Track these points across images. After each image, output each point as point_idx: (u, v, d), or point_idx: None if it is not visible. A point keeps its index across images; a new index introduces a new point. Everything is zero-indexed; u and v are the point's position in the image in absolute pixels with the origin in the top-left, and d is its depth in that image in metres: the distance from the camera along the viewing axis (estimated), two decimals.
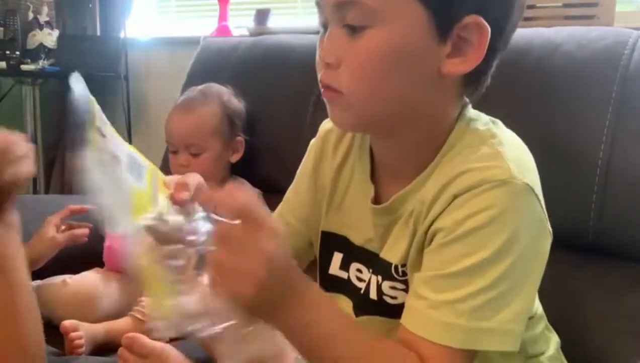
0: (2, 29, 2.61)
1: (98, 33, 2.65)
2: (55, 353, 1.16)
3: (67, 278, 1.31)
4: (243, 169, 1.47)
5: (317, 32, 0.72)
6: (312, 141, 0.88)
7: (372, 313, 0.77)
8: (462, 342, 0.64)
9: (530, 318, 0.76)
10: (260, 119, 1.48)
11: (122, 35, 2.64)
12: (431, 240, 0.68)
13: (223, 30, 2.33)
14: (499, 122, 0.75)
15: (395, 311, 0.72)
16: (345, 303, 0.80)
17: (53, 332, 1.19)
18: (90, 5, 2.62)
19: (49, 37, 2.61)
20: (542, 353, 0.81)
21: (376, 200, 0.77)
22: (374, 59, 0.65)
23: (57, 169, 2.68)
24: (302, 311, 0.61)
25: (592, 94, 1.02)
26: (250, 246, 0.57)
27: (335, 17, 0.66)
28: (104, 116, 0.64)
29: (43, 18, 2.66)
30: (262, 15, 2.25)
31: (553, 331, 0.86)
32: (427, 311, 0.65)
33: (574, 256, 1.02)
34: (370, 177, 0.78)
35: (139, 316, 1.23)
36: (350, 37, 0.65)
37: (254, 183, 1.47)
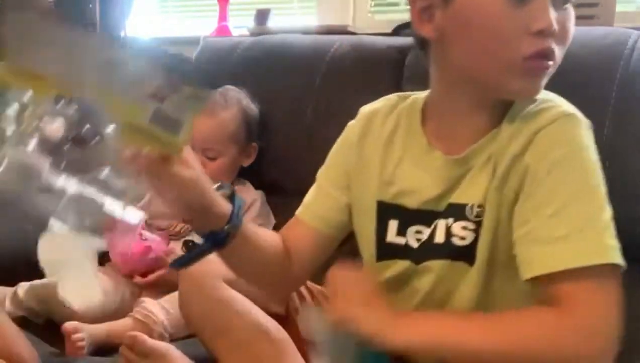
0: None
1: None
2: (56, 354, 1.16)
3: None
4: (243, 169, 1.47)
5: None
6: (352, 123, 0.95)
7: (431, 258, 0.84)
8: (602, 256, 0.72)
9: None
10: (260, 119, 1.48)
11: (122, 35, 2.64)
12: (521, 180, 0.77)
13: (223, 30, 2.33)
14: None
15: (460, 252, 0.81)
16: (402, 267, 0.86)
17: (54, 333, 1.19)
18: (90, 5, 2.62)
19: None
20: None
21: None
22: (572, 31, 0.79)
23: None
24: (417, 323, 0.75)
25: (592, 94, 1.02)
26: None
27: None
28: None
29: None
30: (262, 15, 2.25)
31: None
32: (558, 246, 0.72)
33: None
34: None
35: (139, 317, 1.23)
36: (564, 10, 0.77)
37: (254, 183, 1.47)
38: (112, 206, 0.71)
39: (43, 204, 0.69)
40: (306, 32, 1.68)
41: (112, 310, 1.30)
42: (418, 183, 0.86)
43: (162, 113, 0.69)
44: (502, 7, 0.76)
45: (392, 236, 0.87)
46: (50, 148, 0.70)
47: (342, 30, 1.81)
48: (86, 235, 0.71)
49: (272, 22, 2.25)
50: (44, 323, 1.27)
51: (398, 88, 1.40)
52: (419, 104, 0.89)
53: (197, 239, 0.84)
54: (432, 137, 0.86)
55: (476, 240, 0.80)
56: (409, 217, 0.86)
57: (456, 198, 0.83)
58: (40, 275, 1.31)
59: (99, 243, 0.74)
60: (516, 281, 0.76)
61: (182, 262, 0.85)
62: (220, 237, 0.79)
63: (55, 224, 0.70)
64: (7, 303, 1.27)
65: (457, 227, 0.82)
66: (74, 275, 0.84)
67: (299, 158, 1.40)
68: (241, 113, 1.43)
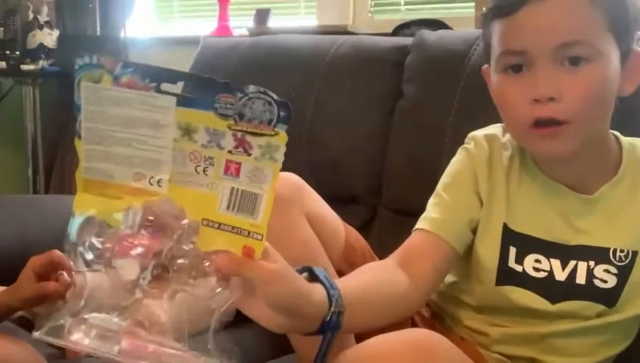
0: (2, 29, 2.61)
1: (98, 33, 2.65)
2: (56, 355, 1.16)
3: None
4: None
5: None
6: (472, 147, 0.94)
7: (575, 299, 0.86)
8: None
9: None
10: None
11: (122, 35, 2.64)
12: None
13: (223, 30, 2.33)
14: None
15: (603, 295, 0.85)
16: (520, 294, 0.88)
17: None
18: (90, 5, 2.62)
19: (49, 37, 2.60)
20: None
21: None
22: (596, 87, 0.79)
23: (57, 169, 2.68)
24: None
25: None
26: None
27: (554, 56, 0.78)
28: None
29: (43, 18, 2.66)
30: (262, 15, 2.25)
31: None
32: None
33: None
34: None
35: (139, 318, 1.22)
36: (568, 72, 0.79)
37: None
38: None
39: None
40: (306, 32, 1.68)
41: None
42: (542, 213, 0.88)
43: (237, 191, 0.63)
44: (501, 78, 0.83)
45: (511, 261, 0.89)
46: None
47: (342, 30, 1.81)
48: None
49: (272, 22, 2.25)
50: None
51: (398, 88, 1.40)
52: None
53: None
54: (546, 168, 0.89)
55: (620, 282, 0.85)
56: (529, 245, 0.88)
57: (598, 240, 0.86)
58: None
59: None
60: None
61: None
62: (333, 322, 0.70)
63: None
64: None
65: (599, 270, 0.85)
66: None
67: (298, 158, 1.40)
68: None
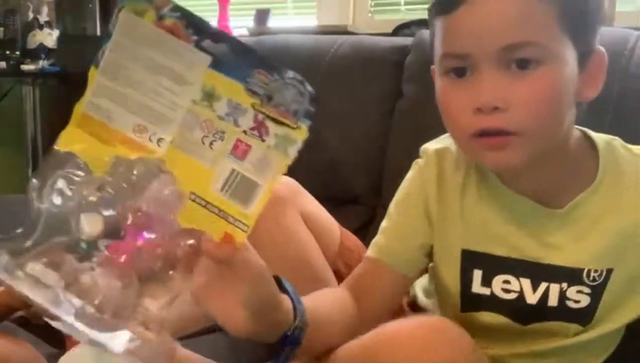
0: (2, 29, 2.61)
1: (98, 33, 2.65)
2: (56, 354, 1.16)
3: None
4: None
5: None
6: (422, 164, 0.87)
7: (548, 320, 0.80)
8: None
9: None
10: None
11: None
12: None
13: (223, 30, 2.33)
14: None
15: (577, 315, 0.79)
16: (490, 318, 0.82)
17: (54, 333, 1.18)
18: (90, 5, 2.62)
19: (49, 37, 2.60)
20: None
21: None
22: (547, 93, 0.70)
23: None
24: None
25: None
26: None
27: (498, 60, 0.69)
28: None
29: (43, 18, 2.66)
30: (262, 15, 2.25)
31: None
32: None
33: None
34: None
35: (139, 318, 1.22)
36: (516, 77, 0.69)
37: None
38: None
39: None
40: (306, 32, 1.68)
41: None
42: (504, 229, 0.80)
43: (238, 175, 0.59)
44: (444, 82, 0.75)
45: (476, 286, 0.82)
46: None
47: (342, 30, 1.81)
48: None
49: (272, 22, 2.25)
50: (44, 323, 1.26)
51: (398, 88, 1.40)
52: None
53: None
54: (508, 181, 0.81)
55: (593, 302, 0.79)
56: (495, 266, 0.81)
57: (567, 259, 0.78)
58: None
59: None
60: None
61: None
62: (295, 336, 0.67)
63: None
64: None
65: (573, 292, 0.79)
66: None
67: (298, 158, 1.40)
68: None
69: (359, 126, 1.41)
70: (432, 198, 0.84)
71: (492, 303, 0.82)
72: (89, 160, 0.60)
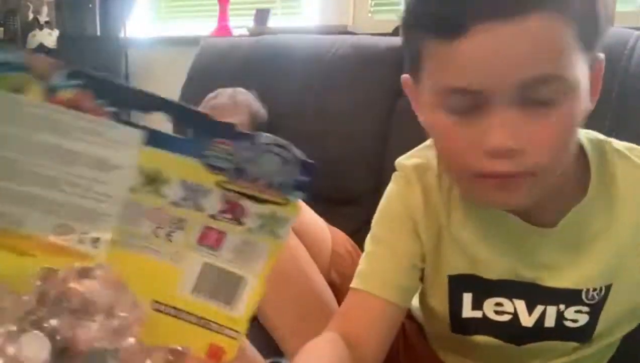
0: (2, 29, 2.62)
1: (98, 33, 2.65)
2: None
3: None
4: None
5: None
6: (402, 183, 0.78)
7: (544, 340, 0.76)
8: None
9: None
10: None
11: (122, 35, 2.64)
12: None
13: (223, 30, 2.34)
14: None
15: (575, 334, 0.75)
16: (482, 340, 0.77)
17: None
18: (90, 5, 2.62)
19: (49, 37, 2.61)
20: None
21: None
22: (568, 129, 0.62)
23: None
24: None
25: None
26: None
27: (514, 97, 0.59)
28: None
29: (43, 18, 2.67)
30: (262, 15, 2.26)
31: None
32: None
33: None
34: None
35: None
36: (533, 116, 0.60)
37: None
38: None
39: None
40: (306, 32, 1.68)
41: None
42: (492, 250, 0.74)
43: (213, 269, 0.48)
44: (444, 117, 0.64)
45: (467, 311, 0.77)
46: None
47: (342, 30, 1.81)
48: None
49: (272, 22, 2.26)
50: None
51: (398, 88, 1.40)
52: None
53: None
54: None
55: (592, 320, 0.74)
56: (486, 288, 0.75)
57: (566, 281, 0.73)
58: None
59: None
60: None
61: None
62: None
63: None
64: None
65: (571, 312, 0.74)
66: None
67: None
68: (250, 119, 1.41)
69: (358, 126, 1.41)
70: (419, 216, 0.76)
71: (484, 325, 0.77)
72: (5, 280, 0.46)
